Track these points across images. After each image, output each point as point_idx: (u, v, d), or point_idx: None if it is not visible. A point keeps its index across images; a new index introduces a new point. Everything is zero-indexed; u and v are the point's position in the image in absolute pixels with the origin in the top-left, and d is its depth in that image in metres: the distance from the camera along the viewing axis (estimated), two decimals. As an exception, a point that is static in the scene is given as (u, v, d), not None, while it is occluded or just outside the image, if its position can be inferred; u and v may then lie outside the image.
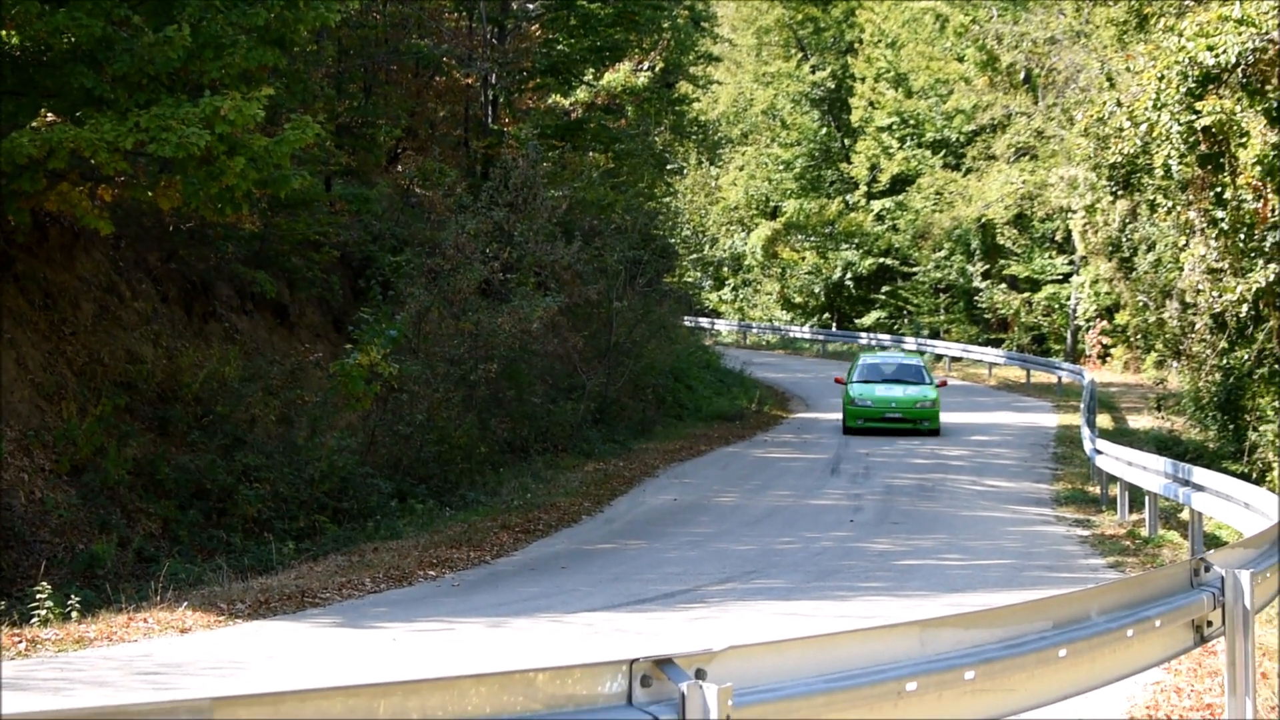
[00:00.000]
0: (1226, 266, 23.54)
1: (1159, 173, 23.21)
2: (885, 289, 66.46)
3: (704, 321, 64.44)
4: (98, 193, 20.60)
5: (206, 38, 19.12)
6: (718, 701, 4.62)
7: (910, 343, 57.82)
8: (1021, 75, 55.24)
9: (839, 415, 37.55)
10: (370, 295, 27.60)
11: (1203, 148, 22.27)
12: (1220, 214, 22.83)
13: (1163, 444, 30.48)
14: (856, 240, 66.58)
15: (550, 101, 39.34)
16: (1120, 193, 26.38)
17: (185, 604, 14.59)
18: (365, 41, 32.51)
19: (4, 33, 18.54)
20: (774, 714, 5.02)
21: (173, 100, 18.68)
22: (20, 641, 12.67)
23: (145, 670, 11.67)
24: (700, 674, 4.72)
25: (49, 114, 19.82)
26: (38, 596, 13.96)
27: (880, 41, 66.98)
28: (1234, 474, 21.22)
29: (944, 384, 39.52)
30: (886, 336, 60.33)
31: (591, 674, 4.55)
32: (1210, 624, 7.85)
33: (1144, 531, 21.56)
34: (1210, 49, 21.41)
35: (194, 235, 25.01)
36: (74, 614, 13.88)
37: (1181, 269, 26.53)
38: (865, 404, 36.19)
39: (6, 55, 19.04)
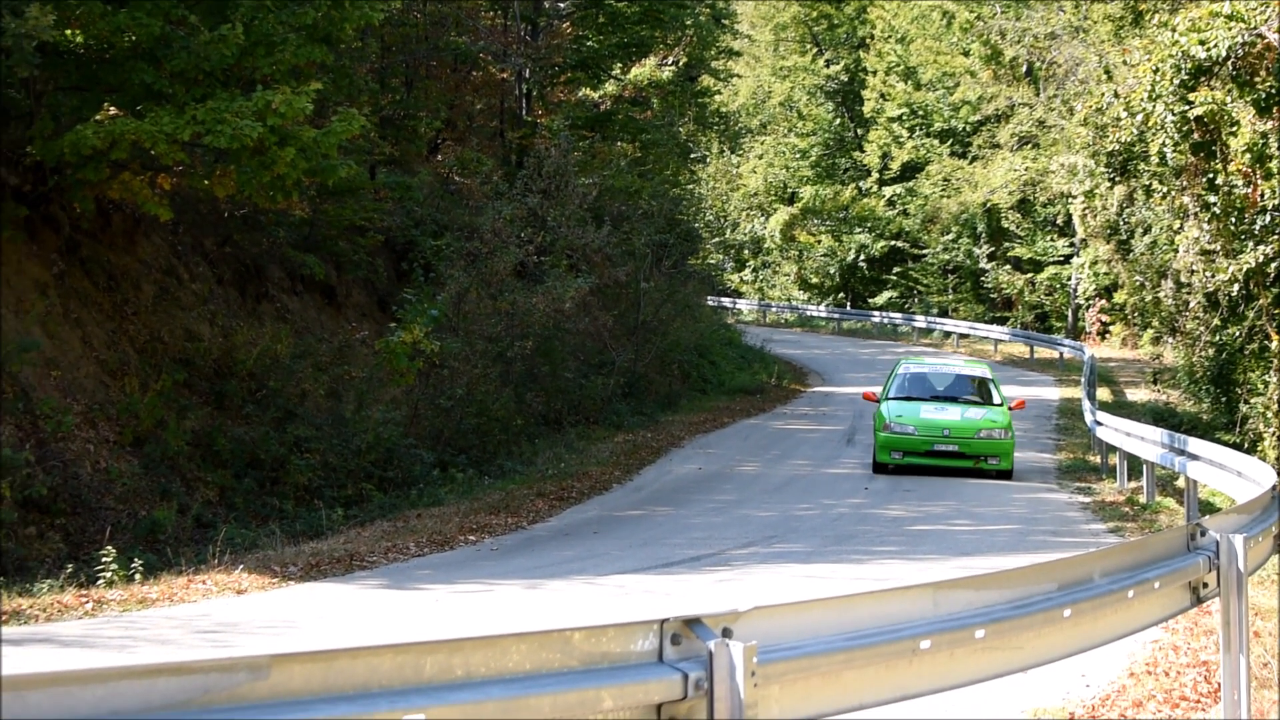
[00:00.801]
0: (1219, 248, 23.42)
1: (1154, 160, 23.11)
2: (896, 270, 66.32)
3: (726, 301, 64.33)
4: (157, 181, 20.64)
5: (259, 36, 19.13)
6: (743, 658, 4.60)
7: (920, 320, 57.67)
8: (1024, 68, 55.03)
9: (855, 391, 36.73)
10: (413, 277, 27.60)
11: (1195, 136, 22.17)
12: (1212, 199, 22.73)
13: (1159, 416, 30.39)
14: (869, 224, 66.46)
15: (581, 94, 39.29)
16: (1118, 179, 26.27)
17: (241, 567, 14.62)
18: (406, 39, 32.46)
19: (70, 32, 18.58)
20: (796, 670, 5.00)
21: (227, 95, 18.70)
22: (87, 602, 12.71)
23: (204, 629, 11.70)
24: (727, 633, 4.71)
25: (111, 108, 19.86)
26: (103, 560, 14.00)
27: (890, 37, 66.85)
28: (1226, 444, 21.14)
29: (1021, 405, 26.18)
30: (898, 315, 60.20)
31: (624, 633, 4.53)
32: (1206, 585, 7.80)
33: (1142, 498, 21.50)
34: (1202, 43, 21.29)
35: (247, 221, 25.04)
36: (137, 576, 13.91)
37: (1176, 250, 26.41)
38: (905, 430, 24.21)
39: (72, 53, 19.08)
